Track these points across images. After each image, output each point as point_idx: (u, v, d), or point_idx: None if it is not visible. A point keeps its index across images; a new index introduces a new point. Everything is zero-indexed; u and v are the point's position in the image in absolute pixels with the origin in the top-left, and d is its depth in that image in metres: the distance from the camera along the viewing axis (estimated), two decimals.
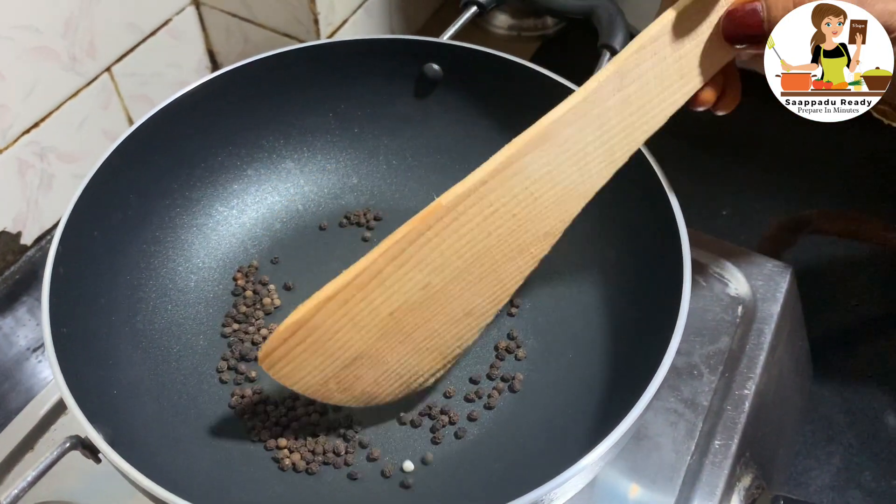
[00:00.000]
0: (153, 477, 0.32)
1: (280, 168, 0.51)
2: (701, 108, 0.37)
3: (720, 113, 0.37)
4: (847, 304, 0.60)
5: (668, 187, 0.40)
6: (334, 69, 0.49)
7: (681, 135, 0.42)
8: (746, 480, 0.45)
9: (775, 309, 0.49)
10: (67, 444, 0.33)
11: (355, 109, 0.51)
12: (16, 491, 0.31)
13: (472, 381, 0.44)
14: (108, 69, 0.60)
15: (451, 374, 0.44)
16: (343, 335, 0.35)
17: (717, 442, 0.44)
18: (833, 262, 0.61)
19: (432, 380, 0.40)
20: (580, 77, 0.45)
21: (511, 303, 0.46)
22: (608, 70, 0.34)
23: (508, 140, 0.49)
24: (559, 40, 0.78)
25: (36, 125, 0.56)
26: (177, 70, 0.66)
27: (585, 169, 0.36)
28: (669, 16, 0.34)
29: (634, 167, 0.42)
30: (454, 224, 0.34)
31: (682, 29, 0.34)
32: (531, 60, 0.47)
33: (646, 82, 0.35)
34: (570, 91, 0.45)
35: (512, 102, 0.48)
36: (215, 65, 0.70)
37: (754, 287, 0.50)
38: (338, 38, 0.62)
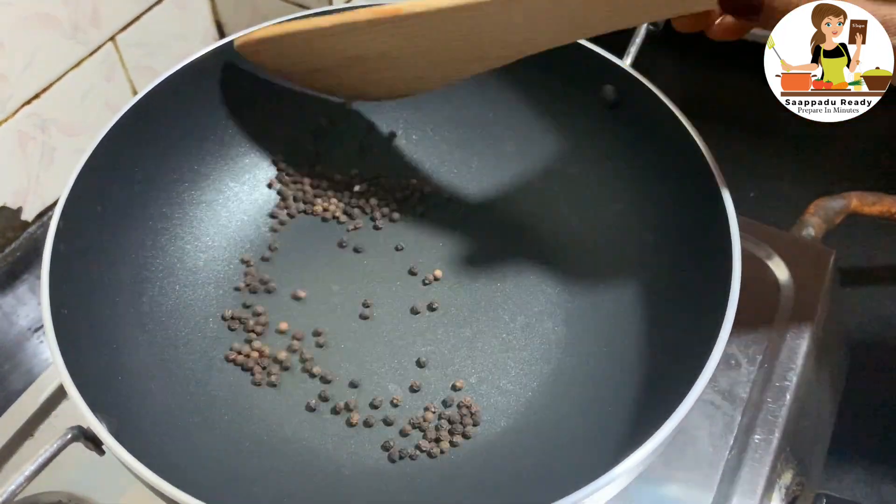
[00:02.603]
0: (159, 471, 0.30)
1: None
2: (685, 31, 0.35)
3: (717, 38, 0.35)
4: (885, 289, 0.58)
5: (714, 165, 0.38)
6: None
7: (702, 115, 0.41)
8: (787, 477, 0.42)
9: (818, 295, 0.47)
10: (69, 436, 0.31)
11: None
12: (13, 487, 0.29)
13: (493, 371, 0.41)
14: (111, 38, 0.59)
15: (471, 361, 0.42)
16: (320, 51, 0.41)
17: (756, 436, 0.42)
18: (871, 245, 0.59)
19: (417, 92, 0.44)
20: (612, 48, 0.43)
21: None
22: None
23: (536, 115, 0.47)
24: None
25: (37, 96, 0.55)
26: (183, 41, 0.65)
27: (535, 34, 0.37)
28: None
29: (674, 142, 0.40)
30: (408, 26, 0.37)
31: None
32: None
33: None
34: (604, 60, 0.43)
35: (539, 73, 0.46)
36: (223, 36, 0.69)
37: (795, 271, 0.48)
38: (354, 2, 0.59)
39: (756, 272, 0.48)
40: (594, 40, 0.44)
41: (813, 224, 0.52)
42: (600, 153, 0.46)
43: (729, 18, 0.34)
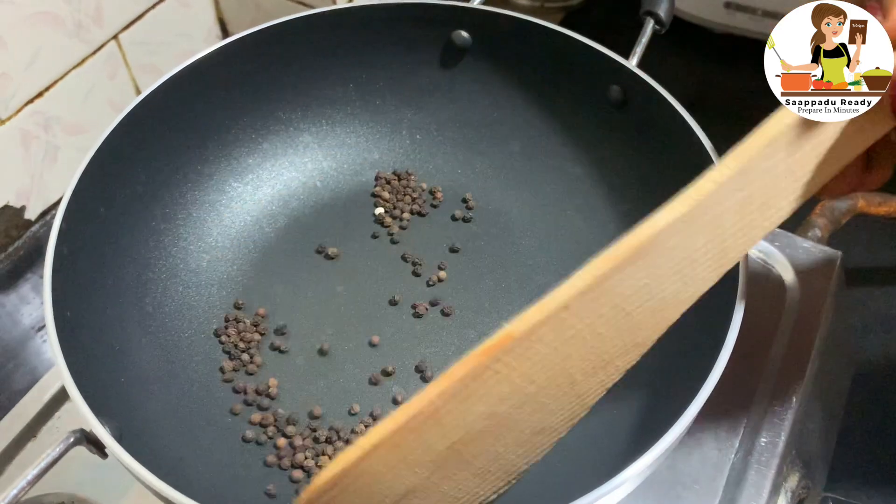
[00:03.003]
0: (161, 474, 0.30)
1: (297, 142, 0.49)
2: (837, 196, 0.33)
3: (868, 191, 0.34)
4: (891, 290, 0.58)
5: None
6: (354, 37, 0.47)
7: (707, 114, 0.40)
8: (793, 480, 0.42)
9: (825, 296, 0.47)
10: (71, 440, 0.31)
11: (377, 80, 0.48)
12: (15, 491, 0.29)
13: None
14: (115, 37, 0.59)
15: None
16: (392, 477, 0.30)
17: (762, 439, 0.42)
18: (877, 246, 0.59)
19: (494, 496, 0.34)
20: (617, 48, 0.43)
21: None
22: (728, 168, 0.29)
23: (541, 114, 0.47)
24: (584, 12, 0.76)
25: (40, 95, 0.55)
26: (187, 40, 0.65)
27: (690, 276, 0.30)
28: None
29: (680, 141, 0.40)
30: (526, 353, 0.29)
31: None
32: None
33: (773, 178, 0.30)
34: (610, 60, 0.42)
35: (545, 73, 0.46)
36: (226, 34, 0.69)
37: (801, 273, 0.48)
38: (357, 2, 0.59)
39: (761, 273, 0.48)
40: (600, 40, 0.43)
41: (819, 224, 0.52)
42: (606, 153, 0.45)
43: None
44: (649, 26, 0.44)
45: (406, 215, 0.47)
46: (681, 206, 0.29)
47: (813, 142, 0.30)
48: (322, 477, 0.28)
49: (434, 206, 0.48)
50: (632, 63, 0.42)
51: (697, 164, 0.39)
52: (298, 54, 0.46)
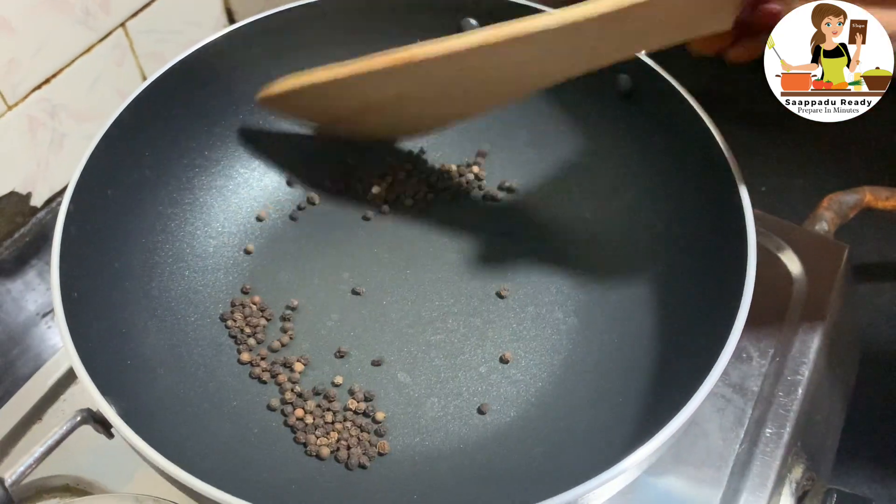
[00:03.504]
0: (168, 454, 0.30)
1: (305, 127, 0.48)
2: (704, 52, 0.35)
3: (733, 61, 0.34)
4: None
5: (731, 156, 0.37)
6: (362, 23, 0.47)
7: (714, 107, 0.40)
8: (797, 472, 0.42)
9: (831, 289, 0.46)
10: (78, 419, 0.31)
11: None
12: (22, 468, 0.29)
13: (502, 361, 0.41)
14: (122, 25, 0.58)
15: (481, 350, 0.41)
16: (345, 99, 0.42)
17: (767, 430, 0.42)
18: (884, 241, 0.59)
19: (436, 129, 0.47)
20: None
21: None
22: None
23: (549, 103, 0.47)
24: None
25: (47, 81, 0.55)
26: (195, 28, 0.65)
27: (547, 68, 0.38)
28: None
29: (690, 132, 0.40)
30: (422, 69, 0.39)
31: None
32: None
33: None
34: None
35: None
36: (233, 23, 0.68)
37: (808, 266, 0.48)
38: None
39: (768, 265, 0.48)
40: None
41: (826, 218, 0.52)
42: (614, 143, 0.45)
43: (744, 39, 0.34)
44: None
45: (408, 202, 0.47)
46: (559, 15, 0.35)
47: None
48: (274, 88, 0.43)
49: (441, 195, 0.48)
50: (641, 52, 0.42)
51: (706, 153, 0.39)
52: (306, 41, 0.46)
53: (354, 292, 0.44)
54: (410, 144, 0.50)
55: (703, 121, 0.39)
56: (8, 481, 0.28)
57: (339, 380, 0.40)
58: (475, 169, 0.48)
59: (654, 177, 0.43)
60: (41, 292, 0.55)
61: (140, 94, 0.41)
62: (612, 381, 0.39)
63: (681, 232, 0.41)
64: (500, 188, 0.48)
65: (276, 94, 0.43)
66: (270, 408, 0.39)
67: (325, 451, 0.38)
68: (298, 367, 0.41)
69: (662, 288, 0.41)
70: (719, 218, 0.38)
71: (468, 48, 0.37)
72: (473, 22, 0.46)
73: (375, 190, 0.48)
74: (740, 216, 0.36)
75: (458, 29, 0.47)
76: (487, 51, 0.36)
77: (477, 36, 0.37)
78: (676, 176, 0.42)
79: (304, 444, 0.38)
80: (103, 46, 0.57)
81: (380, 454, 0.38)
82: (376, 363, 0.41)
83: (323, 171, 0.48)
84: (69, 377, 0.45)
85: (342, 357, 0.41)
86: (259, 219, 0.46)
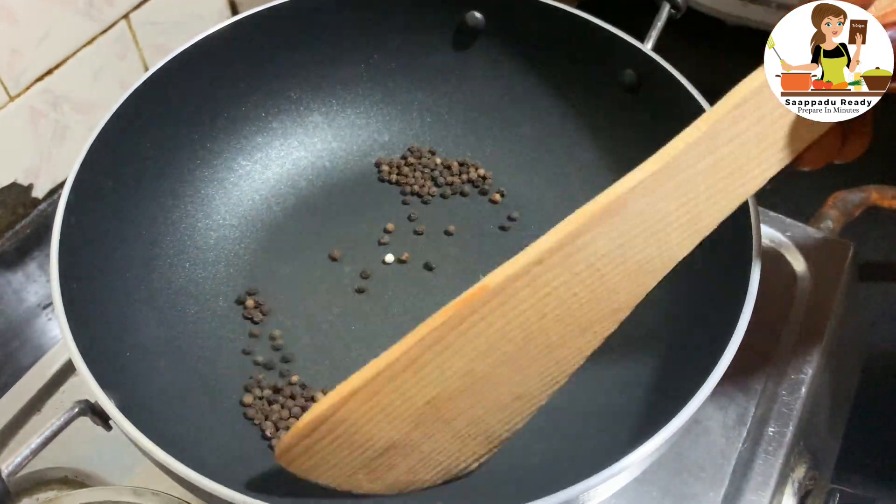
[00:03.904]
0: (166, 447, 0.30)
1: (307, 121, 0.48)
2: (811, 168, 0.33)
3: (842, 162, 0.33)
4: None
5: None
6: (367, 16, 0.47)
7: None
8: (800, 471, 0.42)
9: (836, 288, 0.46)
10: (76, 410, 0.31)
11: (389, 61, 0.48)
12: (19, 458, 0.29)
13: None
14: (125, 16, 0.58)
15: None
16: (372, 427, 0.31)
17: (770, 429, 0.42)
18: (890, 240, 0.58)
19: (475, 465, 0.34)
20: (633, 29, 0.43)
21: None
22: (698, 129, 0.30)
23: (553, 98, 0.47)
24: None
25: (49, 72, 0.55)
26: (198, 20, 0.65)
27: (664, 241, 0.31)
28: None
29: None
30: (502, 308, 0.30)
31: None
32: None
33: (744, 142, 0.30)
34: (625, 43, 0.42)
35: (559, 57, 0.45)
36: (236, 15, 0.68)
37: (813, 264, 0.47)
38: None
39: (773, 263, 0.48)
40: (614, 22, 0.43)
41: (832, 217, 0.52)
42: (618, 138, 0.45)
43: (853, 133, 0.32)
44: (665, 10, 0.44)
45: (408, 198, 0.47)
46: (651, 165, 0.30)
47: (783, 108, 0.30)
48: (301, 422, 0.30)
49: (442, 189, 0.48)
50: (647, 47, 0.42)
51: None
52: (310, 33, 0.46)
53: (357, 288, 0.44)
54: (413, 139, 0.49)
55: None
56: (4, 472, 0.28)
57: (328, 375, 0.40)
58: (478, 164, 0.48)
59: None
60: (42, 284, 0.55)
61: (141, 85, 0.41)
62: (615, 378, 0.39)
63: None
64: (503, 183, 0.48)
65: (299, 433, 0.31)
66: (269, 401, 0.39)
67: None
68: (297, 361, 0.41)
69: (666, 284, 0.41)
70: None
71: (549, 248, 0.29)
72: (478, 16, 0.46)
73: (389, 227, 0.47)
74: (745, 213, 0.36)
75: (463, 23, 0.46)
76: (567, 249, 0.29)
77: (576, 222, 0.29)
78: None
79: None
80: (106, 38, 0.57)
81: None
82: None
83: (324, 165, 0.48)
84: (69, 369, 0.45)
85: (343, 351, 0.41)
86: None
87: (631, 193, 0.30)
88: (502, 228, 0.46)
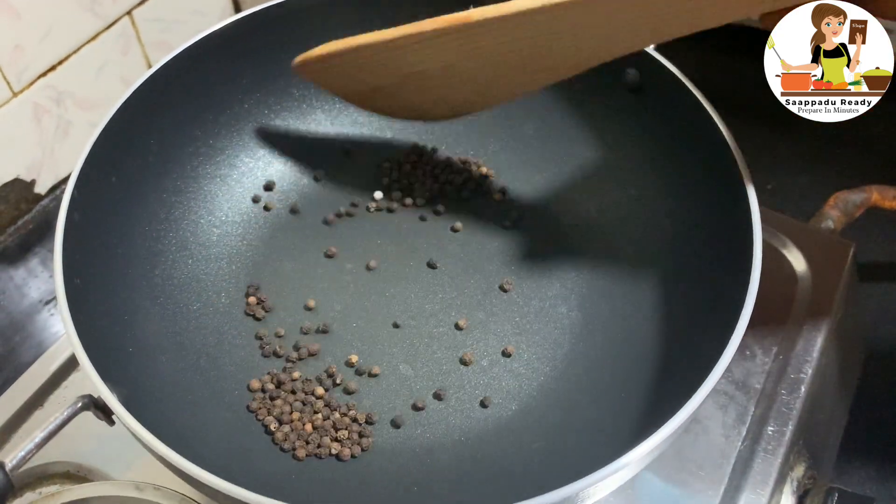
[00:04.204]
0: (168, 442, 0.30)
1: (310, 119, 0.48)
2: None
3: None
4: None
5: (738, 152, 0.37)
6: (370, 14, 0.46)
7: (719, 104, 0.40)
8: (799, 470, 0.42)
9: (836, 287, 0.46)
10: (79, 405, 0.31)
11: None
12: (22, 453, 0.29)
13: (505, 354, 0.41)
14: (128, 13, 0.58)
15: (483, 343, 0.41)
16: (367, 72, 0.41)
17: (770, 428, 0.42)
18: (891, 240, 0.58)
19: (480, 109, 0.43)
20: None
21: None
22: None
23: (555, 96, 0.47)
24: None
25: (52, 68, 0.55)
26: (201, 18, 0.65)
27: (613, 37, 0.35)
28: None
29: (698, 127, 0.39)
30: (478, 34, 0.36)
31: None
32: None
33: None
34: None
35: None
36: (239, 12, 0.68)
37: (813, 264, 0.47)
38: None
39: (773, 262, 0.48)
40: None
41: (832, 217, 0.52)
42: (620, 137, 0.45)
43: None
44: None
45: (410, 197, 0.47)
46: None
47: None
48: (315, 51, 0.41)
49: (444, 188, 0.48)
50: (650, 46, 0.42)
51: (713, 149, 0.39)
52: (313, 31, 0.46)
53: (359, 285, 0.44)
54: (416, 138, 0.50)
55: (710, 116, 0.39)
56: (8, 466, 0.28)
57: (333, 369, 0.40)
58: (481, 162, 0.48)
59: (661, 172, 0.43)
60: (44, 279, 0.55)
61: (145, 81, 0.41)
62: (615, 376, 0.39)
63: (686, 227, 0.41)
64: (505, 182, 0.48)
65: (314, 57, 0.41)
66: (271, 397, 0.39)
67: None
68: (296, 355, 0.41)
69: (667, 283, 0.41)
70: (725, 214, 0.37)
71: (530, 8, 0.34)
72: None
73: (379, 195, 0.47)
74: (746, 212, 0.36)
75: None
76: (550, 12, 0.34)
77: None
78: (683, 171, 0.42)
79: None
80: (109, 34, 0.57)
81: (376, 446, 0.38)
82: (366, 362, 0.41)
83: (326, 162, 0.48)
84: (71, 364, 0.45)
85: (345, 348, 0.41)
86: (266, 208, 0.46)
87: None
88: (503, 226, 0.46)
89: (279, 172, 0.47)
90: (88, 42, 0.56)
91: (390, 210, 0.47)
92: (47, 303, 0.54)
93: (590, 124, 0.46)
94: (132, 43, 0.60)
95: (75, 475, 0.41)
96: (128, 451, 0.40)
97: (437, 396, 0.39)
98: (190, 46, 0.43)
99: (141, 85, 0.41)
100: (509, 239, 0.45)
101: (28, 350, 0.50)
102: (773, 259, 0.48)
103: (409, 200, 0.47)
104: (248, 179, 0.47)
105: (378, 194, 0.47)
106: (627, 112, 0.44)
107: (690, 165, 0.41)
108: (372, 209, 0.47)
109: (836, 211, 0.52)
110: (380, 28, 0.46)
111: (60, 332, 0.50)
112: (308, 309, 0.43)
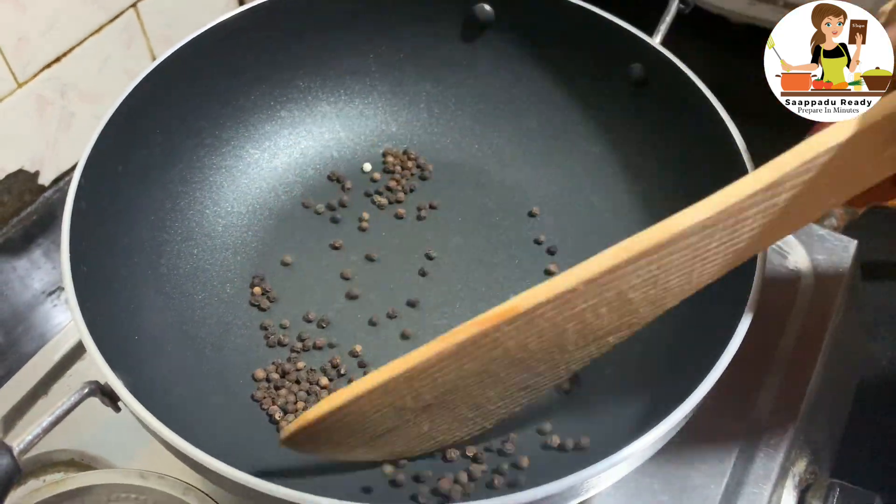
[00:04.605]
0: (175, 428, 0.30)
1: (315, 111, 0.49)
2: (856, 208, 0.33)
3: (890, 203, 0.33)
4: None
5: (744, 148, 0.37)
6: (376, 7, 0.47)
7: (725, 100, 0.40)
8: (801, 465, 0.42)
9: (839, 284, 0.46)
10: (86, 390, 0.31)
11: (397, 52, 0.48)
12: (30, 437, 0.29)
13: None
14: (133, 5, 0.58)
15: None
16: (379, 417, 0.32)
17: (772, 423, 0.42)
18: (892, 238, 0.58)
19: (468, 437, 0.36)
20: (641, 24, 0.43)
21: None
22: (761, 181, 0.28)
23: (561, 91, 0.47)
24: None
25: (57, 60, 0.54)
26: (205, 10, 0.65)
27: (698, 272, 0.31)
28: (852, 127, 0.28)
29: (703, 123, 0.40)
30: (526, 326, 0.30)
31: (869, 139, 0.28)
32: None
33: (803, 191, 0.29)
34: (633, 36, 0.42)
35: (566, 49, 0.45)
36: (243, 5, 0.68)
37: (816, 261, 0.47)
38: None
39: (777, 259, 0.48)
40: (622, 15, 0.43)
41: (835, 214, 0.52)
42: (625, 132, 0.45)
43: None
44: (674, 4, 0.44)
45: (414, 187, 0.47)
46: (706, 210, 0.29)
47: (848, 161, 0.29)
48: (313, 412, 0.31)
49: (449, 180, 0.48)
50: (655, 41, 0.42)
51: (720, 145, 0.39)
52: (318, 23, 0.46)
53: (363, 278, 0.44)
54: (420, 131, 0.50)
55: (716, 110, 0.39)
56: (16, 450, 0.28)
57: (338, 360, 0.40)
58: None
59: (666, 166, 0.43)
60: (47, 271, 0.55)
61: (152, 71, 0.41)
62: (619, 368, 0.39)
63: None
64: (509, 176, 0.48)
65: (301, 428, 0.32)
66: (276, 387, 0.39)
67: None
68: (301, 345, 0.41)
69: None
70: None
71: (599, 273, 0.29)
72: (487, 8, 0.46)
73: (368, 167, 0.48)
74: None
75: (471, 15, 0.46)
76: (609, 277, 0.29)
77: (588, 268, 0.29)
78: (688, 166, 0.42)
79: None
80: (114, 27, 0.57)
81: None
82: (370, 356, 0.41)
83: (331, 154, 0.48)
84: (74, 354, 0.45)
85: (348, 339, 0.41)
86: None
87: (679, 235, 0.29)
88: (505, 221, 0.46)
89: (284, 164, 0.48)
90: (93, 34, 0.56)
91: (397, 202, 0.47)
92: (50, 294, 0.53)
93: (595, 119, 0.46)
94: (136, 36, 0.59)
95: (79, 463, 0.41)
96: (132, 439, 0.40)
97: None
98: (195, 38, 0.43)
99: (148, 74, 0.41)
100: (514, 232, 0.46)
101: (31, 341, 0.50)
102: (776, 254, 0.48)
103: (412, 193, 0.47)
104: (253, 171, 0.47)
105: (367, 166, 0.48)
106: (633, 106, 0.44)
107: (697, 159, 0.41)
108: (377, 202, 0.47)
109: (839, 208, 0.53)
110: (381, 18, 0.46)
111: (63, 323, 0.50)
112: (313, 300, 0.43)
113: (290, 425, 0.32)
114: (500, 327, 0.29)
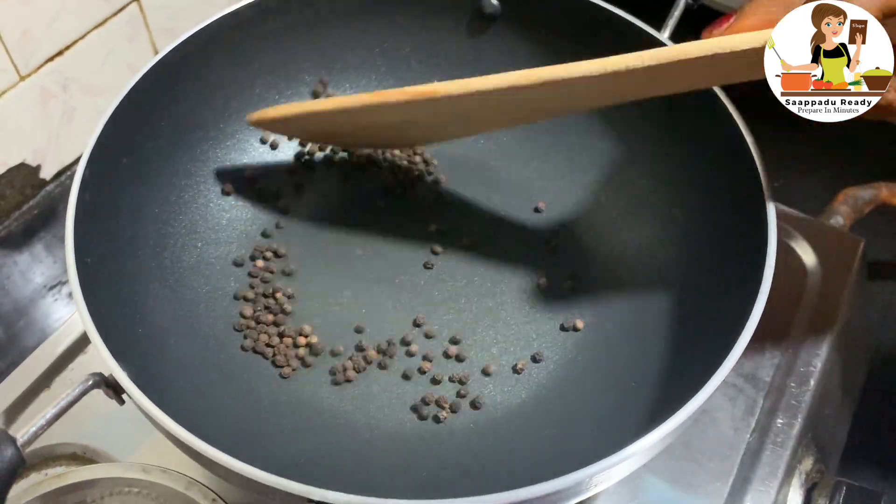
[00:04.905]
0: (180, 421, 0.30)
1: None
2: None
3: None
4: None
5: (754, 145, 0.37)
6: (382, 1, 0.46)
7: (730, 98, 0.40)
8: (807, 463, 0.42)
9: (846, 283, 0.46)
10: (90, 382, 0.31)
11: (402, 47, 0.48)
12: (34, 428, 0.29)
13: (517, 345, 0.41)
14: None
15: (496, 331, 0.41)
16: (332, 124, 0.43)
17: (779, 421, 0.42)
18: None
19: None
20: (650, 19, 0.43)
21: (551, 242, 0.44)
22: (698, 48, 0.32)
23: None
24: None
25: (60, 53, 0.54)
26: (208, 5, 0.64)
27: (567, 104, 0.40)
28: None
29: (711, 119, 0.39)
30: (451, 100, 0.38)
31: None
32: None
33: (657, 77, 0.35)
34: (640, 31, 0.42)
35: (573, 44, 0.45)
36: None
37: (823, 259, 0.47)
38: None
39: (783, 256, 0.48)
40: (630, 10, 0.43)
41: (842, 213, 0.52)
42: (631, 128, 0.45)
43: None
44: (682, 0, 0.44)
45: (419, 185, 0.47)
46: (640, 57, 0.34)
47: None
48: (270, 113, 0.43)
49: (454, 177, 0.48)
50: (664, 35, 0.42)
51: (728, 142, 0.39)
52: (323, 17, 0.46)
53: (367, 271, 0.43)
54: None
55: (726, 108, 0.39)
56: (20, 441, 0.28)
57: (339, 349, 0.40)
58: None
59: (676, 165, 0.43)
60: (48, 265, 0.54)
61: (156, 64, 0.41)
62: (626, 365, 0.39)
63: (700, 220, 0.41)
64: (515, 172, 0.48)
65: (269, 119, 0.43)
66: (283, 376, 0.39)
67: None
68: (303, 340, 0.40)
69: (680, 275, 0.41)
70: (738, 207, 0.38)
71: (495, 89, 0.36)
72: (495, 2, 0.46)
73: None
74: (761, 206, 0.36)
75: (478, 9, 0.46)
76: (513, 92, 0.36)
77: (505, 78, 0.36)
78: (696, 163, 0.42)
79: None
80: (117, 20, 0.57)
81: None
82: (381, 348, 0.41)
83: (336, 147, 0.48)
84: (77, 347, 0.45)
85: (359, 333, 0.41)
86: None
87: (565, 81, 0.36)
88: (513, 213, 0.46)
89: (289, 157, 0.47)
90: (96, 28, 0.56)
91: (402, 196, 0.47)
92: (51, 288, 0.53)
93: (601, 114, 0.46)
94: (140, 30, 0.59)
95: (81, 457, 0.41)
96: (134, 433, 0.40)
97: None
98: (198, 31, 0.43)
99: (153, 66, 0.41)
100: (519, 228, 0.45)
101: (32, 335, 0.50)
102: (783, 252, 0.48)
103: (423, 187, 0.47)
104: (257, 164, 0.46)
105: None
106: (638, 102, 0.44)
107: (705, 156, 0.41)
108: (384, 200, 0.47)
109: (846, 206, 0.52)
110: (388, 11, 0.47)
111: (64, 317, 0.50)
112: (318, 293, 0.42)
113: (263, 113, 0.43)
114: (425, 97, 0.38)
